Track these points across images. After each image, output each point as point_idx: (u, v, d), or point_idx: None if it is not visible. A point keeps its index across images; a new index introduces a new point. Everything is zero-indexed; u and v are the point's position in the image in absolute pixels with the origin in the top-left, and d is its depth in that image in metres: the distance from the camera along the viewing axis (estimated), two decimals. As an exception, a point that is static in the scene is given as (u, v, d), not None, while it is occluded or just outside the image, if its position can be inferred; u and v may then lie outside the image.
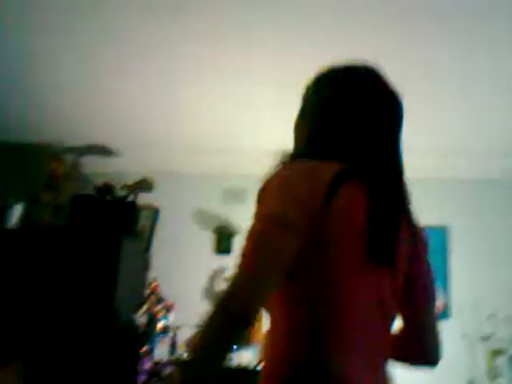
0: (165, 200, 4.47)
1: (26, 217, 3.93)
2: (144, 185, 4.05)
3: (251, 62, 3.34)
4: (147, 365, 3.53)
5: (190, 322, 3.99)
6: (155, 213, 4.53)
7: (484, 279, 3.91)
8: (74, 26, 3.11)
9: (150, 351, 3.71)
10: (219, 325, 1.03)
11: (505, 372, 3.61)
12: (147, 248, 4.40)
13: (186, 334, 4.02)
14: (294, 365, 1.13)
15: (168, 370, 3.56)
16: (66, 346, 3.28)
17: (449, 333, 3.70)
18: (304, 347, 1.14)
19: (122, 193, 3.99)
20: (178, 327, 4.02)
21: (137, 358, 3.47)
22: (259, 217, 1.16)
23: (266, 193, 1.20)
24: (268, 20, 2.91)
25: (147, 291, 4.02)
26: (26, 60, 3.51)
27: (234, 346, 1.16)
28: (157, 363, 3.65)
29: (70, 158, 4.62)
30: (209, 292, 4.24)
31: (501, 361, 3.62)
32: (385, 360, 1.26)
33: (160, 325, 3.91)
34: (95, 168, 4.69)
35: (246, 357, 3.80)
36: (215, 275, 4.28)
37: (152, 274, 4.17)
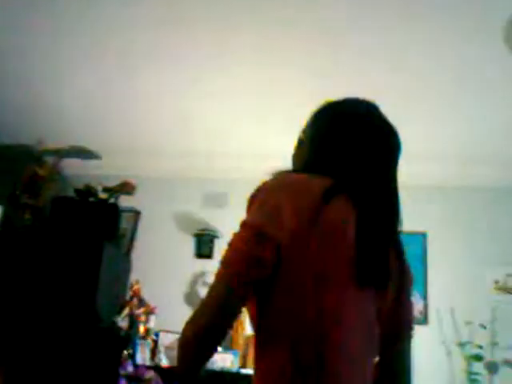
0: (145, 203, 4.46)
1: (5, 219, 3.89)
2: (126, 188, 4.04)
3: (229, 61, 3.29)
4: (128, 368, 3.52)
5: (170, 327, 3.99)
6: (136, 216, 4.52)
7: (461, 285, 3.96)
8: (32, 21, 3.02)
9: (132, 355, 3.69)
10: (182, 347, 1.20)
11: (482, 378, 3.66)
12: (129, 251, 4.38)
13: (166, 338, 4.01)
14: None
15: (148, 375, 3.54)
16: (47, 349, 3.25)
17: (427, 339, 3.75)
18: (289, 370, 1.13)
19: (103, 195, 3.97)
20: (159, 331, 4.00)
21: (118, 362, 3.46)
22: (240, 225, 1.20)
23: (251, 200, 1.23)
24: (247, 10, 2.82)
25: (129, 294, 4.00)
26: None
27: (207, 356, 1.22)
28: (137, 366, 3.64)
29: (50, 160, 4.59)
30: (189, 297, 4.24)
31: (478, 366, 3.67)
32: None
33: (141, 328, 3.90)
34: (75, 170, 4.67)
35: (228, 359, 3.80)
36: (196, 280, 4.28)
37: (133, 276, 4.15)
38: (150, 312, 3.97)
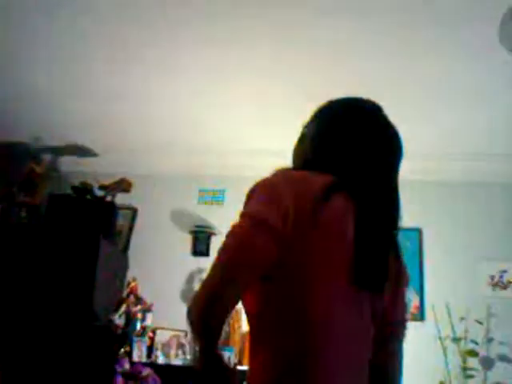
0: (142, 201, 4.46)
1: (1, 216, 3.89)
2: (122, 185, 4.04)
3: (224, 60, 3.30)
4: (125, 366, 3.52)
5: (167, 324, 4.00)
6: (133, 213, 4.51)
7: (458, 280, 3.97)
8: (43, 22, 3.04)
9: (129, 352, 3.69)
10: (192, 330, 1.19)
11: (477, 373, 3.67)
12: (125, 248, 4.38)
13: (163, 335, 4.02)
14: None
15: (145, 372, 3.55)
16: (43, 347, 3.26)
17: (423, 334, 3.76)
18: (281, 366, 1.14)
19: (100, 193, 3.97)
20: (156, 328, 4.01)
21: (115, 359, 3.46)
22: (240, 215, 1.20)
23: (250, 195, 1.23)
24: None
25: (126, 291, 4.00)
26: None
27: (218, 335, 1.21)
28: (134, 363, 3.64)
29: (47, 157, 4.58)
30: (186, 294, 4.24)
31: (473, 362, 3.68)
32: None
33: (138, 325, 3.90)
34: (72, 167, 4.66)
35: (225, 356, 3.81)
36: (192, 277, 4.29)
37: (130, 274, 4.15)
38: (146, 309, 3.98)
